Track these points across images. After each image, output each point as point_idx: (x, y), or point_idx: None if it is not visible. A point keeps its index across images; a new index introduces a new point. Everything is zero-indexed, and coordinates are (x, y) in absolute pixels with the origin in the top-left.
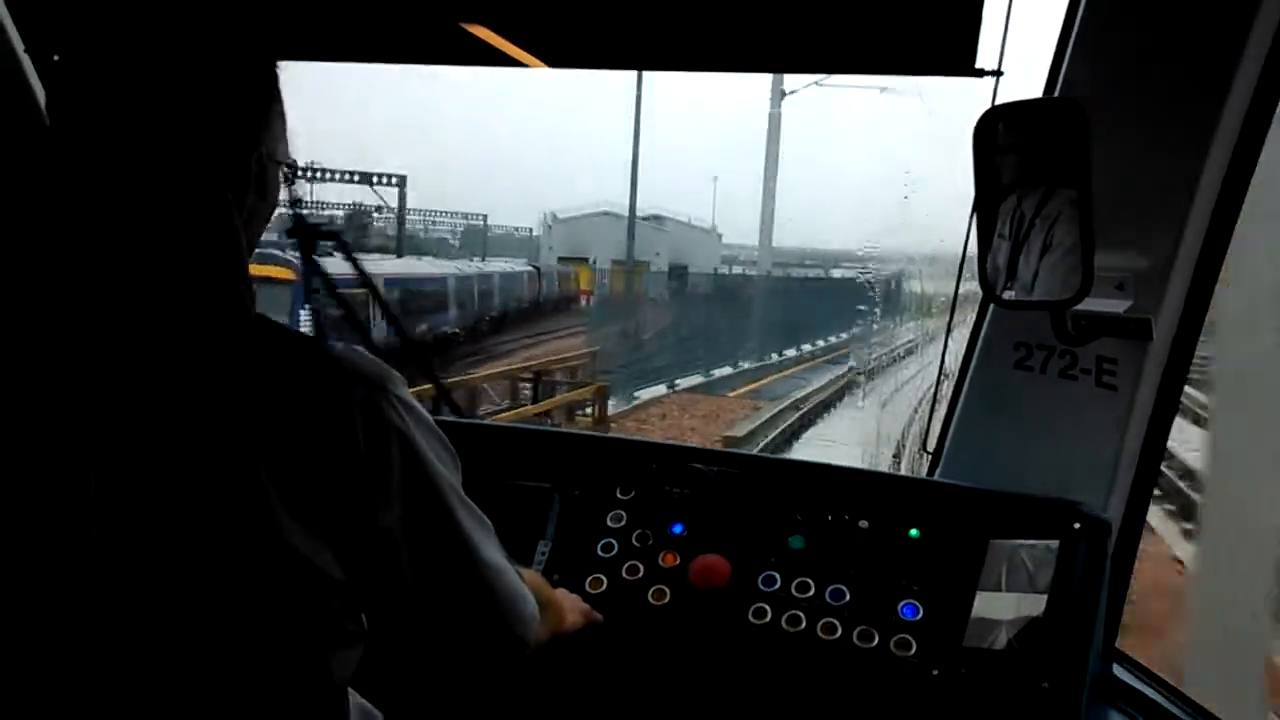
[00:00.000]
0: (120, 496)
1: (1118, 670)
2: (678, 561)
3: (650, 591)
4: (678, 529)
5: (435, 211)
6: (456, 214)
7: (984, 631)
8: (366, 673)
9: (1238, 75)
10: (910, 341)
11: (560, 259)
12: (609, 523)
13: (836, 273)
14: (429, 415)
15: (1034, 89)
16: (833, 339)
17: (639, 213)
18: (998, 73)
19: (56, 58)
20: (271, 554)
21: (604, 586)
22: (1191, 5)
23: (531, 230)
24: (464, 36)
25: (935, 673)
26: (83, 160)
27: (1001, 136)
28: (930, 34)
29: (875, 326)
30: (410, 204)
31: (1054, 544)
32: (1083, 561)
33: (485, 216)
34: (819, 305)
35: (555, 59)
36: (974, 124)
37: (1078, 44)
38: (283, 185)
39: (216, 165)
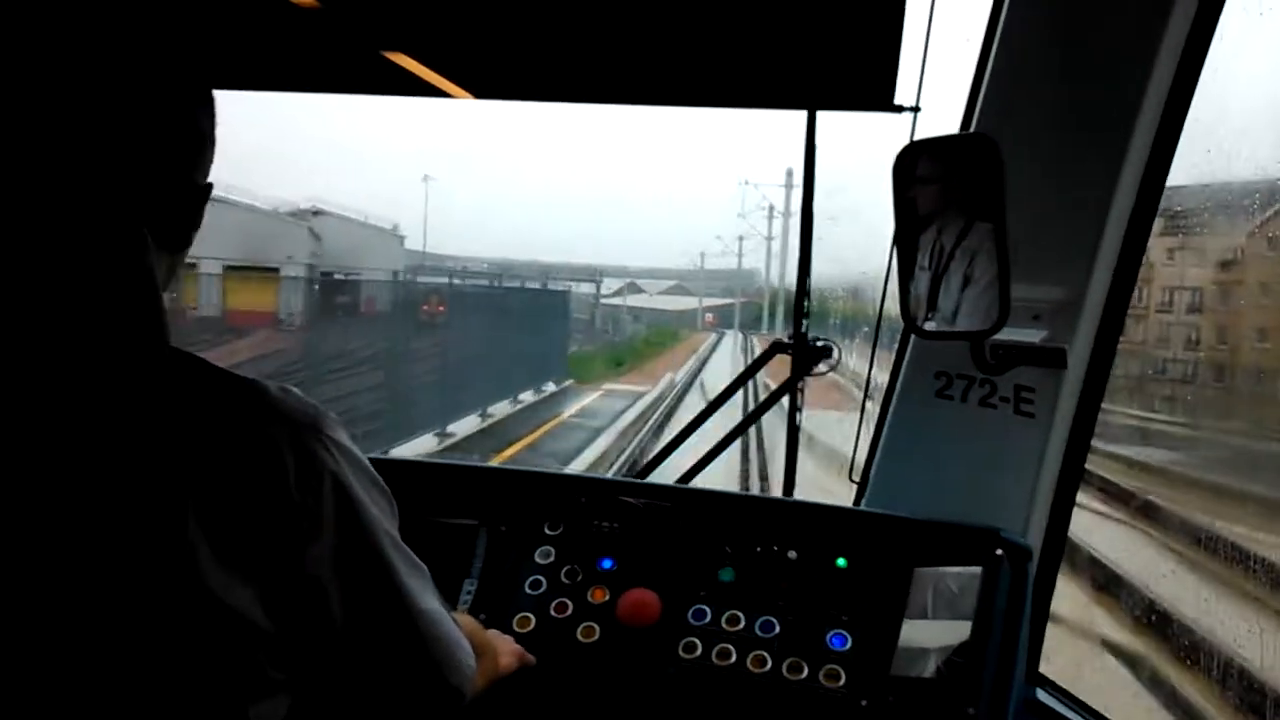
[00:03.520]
0: (39, 539)
1: (1041, 695)
2: (607, 597)
3: (580, 629)
4: (607, 564)
5: None
6: None
7: (911, 659)
8: None
9: (1142, 112)
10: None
11: None
12: (537, 559)
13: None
14: (365, 458)
15: (950, 125)
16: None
17: (293, 205)
18: (915, 109)
19: None
20: (193, 600)
21: (532, 625)
22: (1098, 45)
23: None
24: (386, 65)
25: (864, 703)
26: None
27: (919, 170)
28: (851, 71)
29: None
30: None
31: (977, 570)
32: (1005, 587)
33: None
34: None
35: (479, 89)
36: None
37: (992, 81)
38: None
39: (136, 199)
